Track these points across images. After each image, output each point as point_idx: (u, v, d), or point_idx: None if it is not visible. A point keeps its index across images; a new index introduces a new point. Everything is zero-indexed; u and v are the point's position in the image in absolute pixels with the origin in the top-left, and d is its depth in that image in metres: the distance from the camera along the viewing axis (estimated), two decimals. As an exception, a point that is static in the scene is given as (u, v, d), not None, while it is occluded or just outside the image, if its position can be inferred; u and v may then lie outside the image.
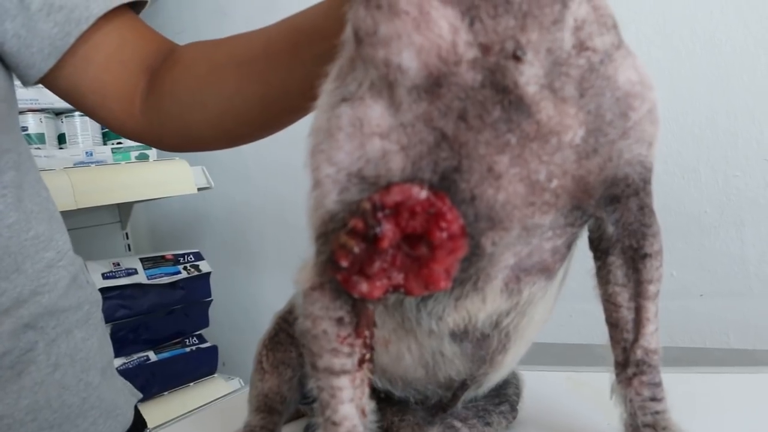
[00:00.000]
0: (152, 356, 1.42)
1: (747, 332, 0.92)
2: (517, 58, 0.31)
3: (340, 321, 0.36)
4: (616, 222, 0.39)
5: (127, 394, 0.70)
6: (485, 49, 0.31)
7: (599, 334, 0.41)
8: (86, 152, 1.43)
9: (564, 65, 0.33)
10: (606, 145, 0.35)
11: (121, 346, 1.36)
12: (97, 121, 0.65)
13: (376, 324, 0.38)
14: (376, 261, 0.33)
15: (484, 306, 0.39)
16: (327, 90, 0.36)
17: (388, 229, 0.33)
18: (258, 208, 1.63)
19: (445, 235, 0.33)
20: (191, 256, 1.53)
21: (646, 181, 0.38)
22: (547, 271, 0.40)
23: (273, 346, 0.52)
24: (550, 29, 0.31)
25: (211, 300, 1.55)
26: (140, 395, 0.73)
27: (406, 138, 0.33)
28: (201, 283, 1.51)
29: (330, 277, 0.35)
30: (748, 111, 0.88)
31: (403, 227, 0.33)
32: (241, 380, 1.55)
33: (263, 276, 1.67)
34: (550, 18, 0.31)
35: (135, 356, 1.40)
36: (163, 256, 1.49)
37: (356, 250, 0.33)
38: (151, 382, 1.39)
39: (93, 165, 1.41)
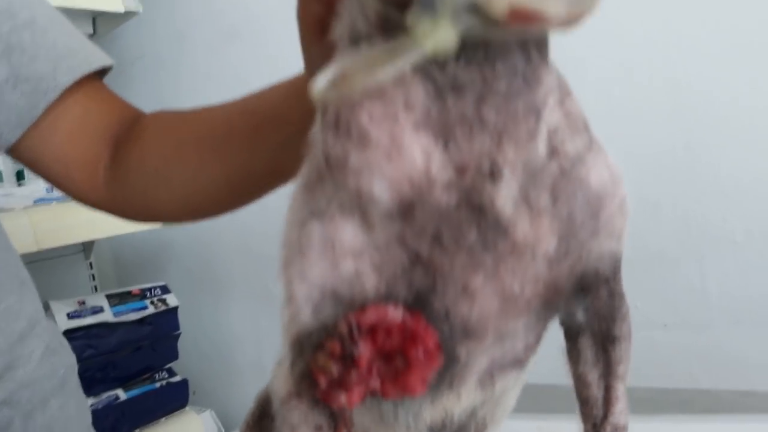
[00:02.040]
0: (121, 395, 1.40)
1: (711, 365, 0.94)
2: (493, 178, 0.31)
3: (319, 428, 0.36)
4: (586, 309, 0.40)
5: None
6: (460, 170, 0.31)
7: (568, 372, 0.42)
8: (46, 188, 1.40)
9: (538, 174, 0.33)
10: (577, 247, 0.35)
11: (88, 386, 1.34)
12: (61, 190, 0.64)
13: (353, 423, 0.38)
14: (354, 375, 0.34)
15: (459, 402, 0.40)
16: (296, 202, 0.36)
17: (365, 350, 0.33)
18: (222, 236, 1.62)
19: (420, 352, 0.33)
20: (158, 289, 1.51)
21: (616, 270, 0.39)
22: (519, 363, 0.40)
23: (257, 431, 0.51)
24: (526, 145, 0.31)
25: (180, 333, 1.54)
26: None
27: (380, 258, 0.33)
28: (169, 317, 1.49)
29: (307, 389, 0.35)
30: (706, 147, 0.90)
31: (379, 346, 0.33)
32: (212, 412, 1.54)
33: (230, 304, 1.65)
34: (526, 133, 0.31)
35: (104, 395, 1.38)
36: (129, 292, 1.47)
37: (334, 371, 0.33)
38: (121, 422, 1.37)
39: (54, 202, 1.38)
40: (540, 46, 0.31)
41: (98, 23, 1.60)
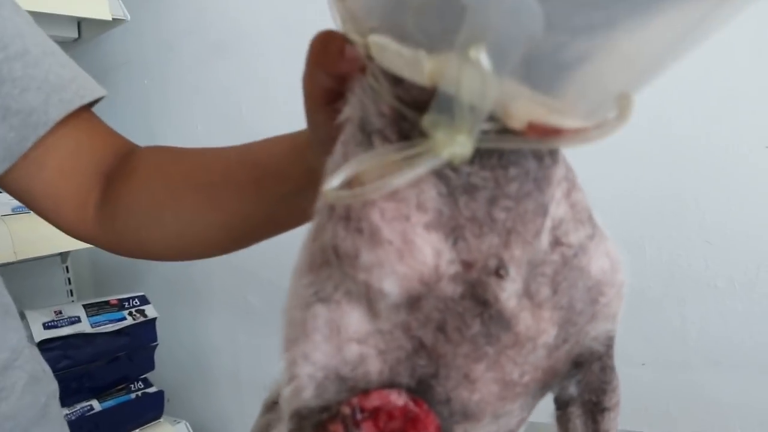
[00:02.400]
0: (96, 405, 1.38)
1: (688, 405, 0.95)
2: (499, 276, 0.31)
3: None
4: (578, 383, 0.40)
5: None
6: (467, 265, 0.31)
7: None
8: (26, 195, 1.37)
9: (540, 265, 0.33)
10: (575, 334, 0.36)
11: (63, 397, 1.32)
12: (50, 223, 0.63)
13: None
14: None
15: None
16: (300, 281, 0.35)
17: None
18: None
19: None
20: (136, 300, 1.49)
21: (610, 346, 0.39)
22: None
23: None
24: (533, 242, 0.31)
25: (157, 344, 1.53)
26: None
27: (384, 344, 0.33)
28: (147, 328, 1.48)
29: None
30: (693, 196, 0.92)
31: (381, 428, 0.34)
32: (187, 424, 1.53)
33: (208, 315, 1.64)
34: (533, 232, 0.31)
35: (78, 406, 1.36)
36: (107, 302, 1.45)
37: None
38: (95, 434, 1.36)
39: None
40: (553, 149, 0.31)
41: (83, 28, 1.58)
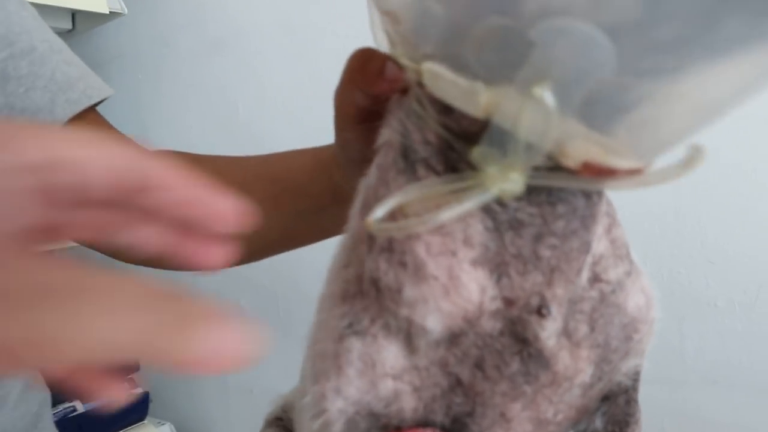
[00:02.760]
0: (79, 407, 1.36)
1: (683, 424, 0.95)
2: (541, 315, 0.30)
3: None
4: (603, 415, 0.40)
5: None
6: (509, 302, 0.30)
7: None
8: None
9: (579, 302, 0.32)
10: (609, 372, 0.35)
11: (46, 397, 1.30)
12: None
13: None
14: None
15: None
16: (331, 311, 0.34)
17: None
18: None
19: None
20: (124, 299, 1.47)
21: (637, 380, 0.39)
22: None
23: None
24: (573, 280, 0.31)
25: (143, 344, 1.50)
26: None
27: (420, 380, 0.32)
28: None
29: None
30: (696, 214, 0.91)
31: None
32: (172, 426, 1.51)
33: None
34: (576, 270, 0.30)
35: (60, 407, 1.34)
36: (94, 301, 1.43)
37: None
38: (78, 435, 1.33)
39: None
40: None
41: (78, 20, 1.56)
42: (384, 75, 0.31)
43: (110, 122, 0.62)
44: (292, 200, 0.49)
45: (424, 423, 0.33)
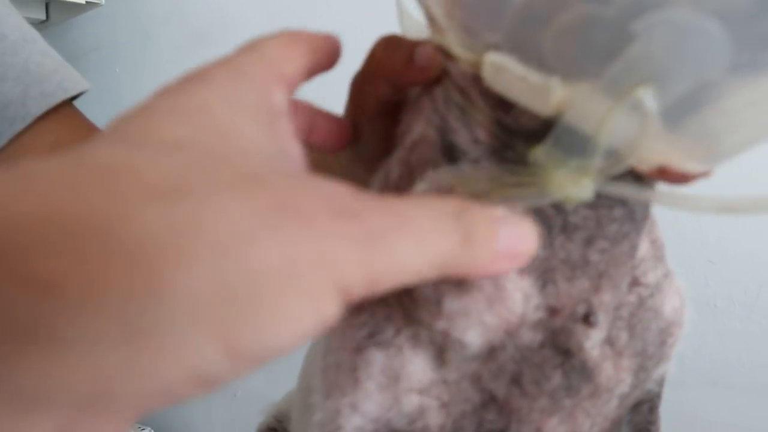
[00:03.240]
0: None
1: (683, 426, 0.95)
2: (588, 323, 0.28)
3: None
4: (626, 423, 0.39)
5: None
6: (553, 311, 0.28)
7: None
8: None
9: (619, 308, 0.30)
10: (644, 380, 0.34)
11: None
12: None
13: None
14: None
15: None
16: (350, 320, 0.31)
17: None
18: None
19: None
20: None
21: (662, 386, 0.38)
22: None
23: None
24: (620, 287, 0.29)
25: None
26: None
27: (449, 395, 0.29)
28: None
29: None
30: (696, 216, 0.91)
31: None
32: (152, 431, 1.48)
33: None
34: (623, 274, 0.29)
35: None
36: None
37: None
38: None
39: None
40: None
41: (52, 10, 1.51)
42: (414, 63, 0.29)
43: (87, 118, 0.59)
44: None
45: None
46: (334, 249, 0.17)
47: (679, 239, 0.92)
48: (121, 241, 0.14)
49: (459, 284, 0.27)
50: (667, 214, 0.89)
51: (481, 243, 0.21)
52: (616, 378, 0.31)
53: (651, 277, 0.32)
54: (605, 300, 0.28)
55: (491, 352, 0.29)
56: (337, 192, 0.19)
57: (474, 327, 0.28)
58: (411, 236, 0.19)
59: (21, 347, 0.14)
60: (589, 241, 0.27)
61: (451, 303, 0.27)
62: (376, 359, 0.29)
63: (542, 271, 0.28)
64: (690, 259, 0.92)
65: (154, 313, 0.14)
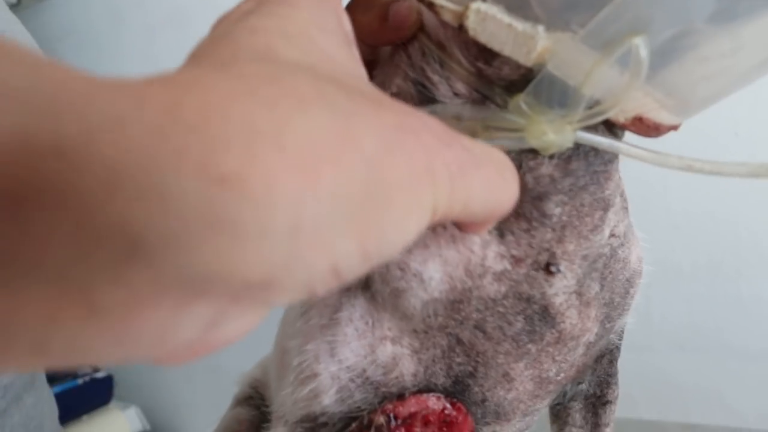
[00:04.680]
0: (41, 392, 1.33)
1: (651, 389, 0.97)
2: (549, 272, 0.30)
3: None
4: (589, 377, 0.40)
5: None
6: (517, 260, 0.29)
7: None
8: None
9: (596, 260, 0.32)
10: (610, 329, 0.35)
11: (6, 383, 1.26)
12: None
13: None
14: None
15: None
16: None
17: None
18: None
19: None
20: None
21: (621, 339, 0.39)
22: (527, 428, 0.40)
23: None
24: (588, 237, 0.30)
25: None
26: None
27: (419, 342, 0.31)
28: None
29: None
30: (660, 179, 0.92)
31: None
32: (137, 409, 1.49)
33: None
34: (590, 226, 0.30)
35: (22, 393, 1.30)
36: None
37: None
38: (41, 421, 1.30)
39: None
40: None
41: (23, -7, 1.50)
42: (388, 22, 0.29)
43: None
44: None
45: (426, 388, 0.32)
46: (436, 170, 0.19)
47: (645, 205, 0.94)
48: (286, 143, 0.15)
49: None
50: (635, 181, 0.89)
51: (512, 192, 0.22)
52: (581, 326, 0.32)
53: (621, 228, 0.33)
54: (569, 249, 0.30)
55: (454, 304, 0.30)
56: (429, 119, 0.20)
57: (433, 259, 0.29)
58: (482, 179, 0.20)
59: (204, 235, 0.14)
60: (541, 197, 0.28)
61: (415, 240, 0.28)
62: (359, 304, 0.31)
63: (497, 223, 0.29)
64: (656, 225, 0.94)
65: (314, 209, 0.15)
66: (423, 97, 0.29)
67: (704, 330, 0.94)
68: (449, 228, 0.28)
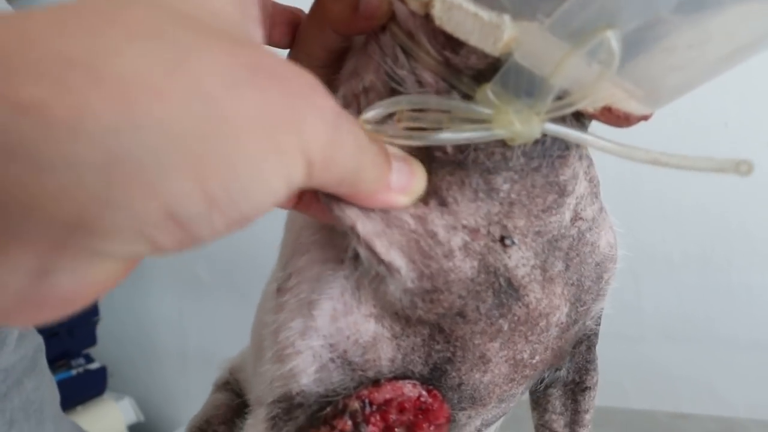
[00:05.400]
0: (35, 383, 1.33)
1: (642, 379, 0.97)
2: (504, 244, 0.30)
3: None
4: (567, 363, 0.40)
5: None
6: (472, 231, 0.30)
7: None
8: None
9: (559, 240, 0.32)
10: (583, 314, 0.35)
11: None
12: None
13: None
14: None
15: None
16: (312, 255, 0.33)
17: (374, 429, 0.31)
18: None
19: (432, 428, 0.32)
20: (77, 272, 1.43)
21: (599, 324, 0.39)
22: (503, 415, 0.40)
23: None
24: (540, 216, 0.30)
25: (99, 318, 1.47)
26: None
27: (400, 328, 0.31)
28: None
29: None
30: (652, 170, 0.92)
31: (389, 423, 0.32)
32: (131, 400, 1.49)
33: (152, 286, 1.60)
34: (541, 207, 0.30)
35: (15, 384, 1.30)
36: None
37: None
38: (34, 412, 1.30)
39: None
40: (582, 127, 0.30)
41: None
42: (359, 12, 0.29)
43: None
44: None
45: (402, 375, 0.32)
46: (307, 117, 0.18)
47: (635, 196, 0.94)
48: (104, 73, 0.15)
49: (364, 211, 0.28)
50: (627, 172, 0.89)
51: (380, 171, 0.24)
52: (547, 302, 0.32)
53: (589, 212, 0.33)
54: (519, 225, 0.30)
55: (432, 294, 0.30)
56: (306, 72, 0.19)
57: (393, 246, 0.29)
58: (354, 138, 0.20)
59: (2, 165, 0.14)
60: (490, 171, 0.28)
61: (363, 226, 0.28)
62: (339, 281, 0.31)
63: (428, 192, 0.29)
64: (647, 215, 0.94)
65: (133, 143, 0.14)
66: (391, 92, 0.28)
67: (694, 320, 0.94)
68: (380, 212, 0.28)
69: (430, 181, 0.29)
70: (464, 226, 0.29)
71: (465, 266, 0.30)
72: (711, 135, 0.89)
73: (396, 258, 0.29)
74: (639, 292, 0.96)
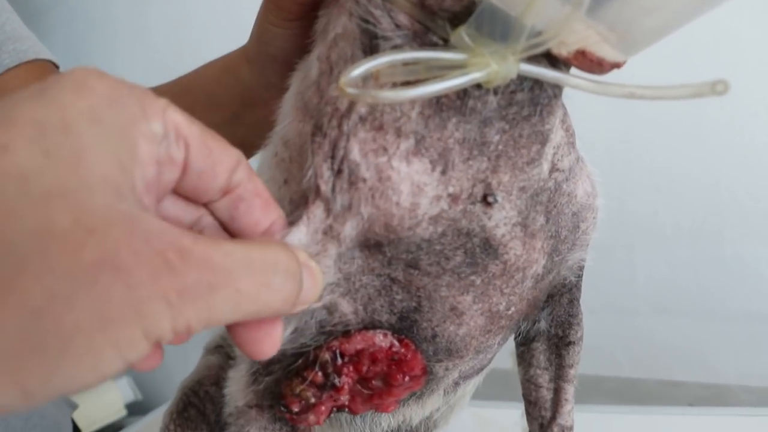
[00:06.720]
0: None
1: (635, 351, 0.98)
2: (486, 203, 0.30)
3: None
4: (547, 316, 0.40)
5: (64, 407, 0.67)
6: (454, 199, 0.29)
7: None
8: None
9: (540, 194, 0.32)
10: (559, 263, 0.36)
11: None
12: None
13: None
14: (328, 400, 0.32)
15: (422, 410, 0.40)
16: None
17: (347, 380, 0.32)
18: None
19: (407, 378, 0.33)
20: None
21: (580, 277, 0.39)
22: (482, 369, 0.40)
23: (182, 422, 0.49)
24: (524, 169, 0.30)
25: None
26: (76, 404, 0.72)
27: (347, 286, 0.31)
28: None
29: (270, 402, 0.34)
30: (644, 142, 0.92)
31: (362, 373, 0.32)
32: (129, 380, 1.49)
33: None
34: (525, 159, 0.30)
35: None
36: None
37: (312, 400, 0.32)
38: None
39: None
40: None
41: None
42: None
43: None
44: (205, 113, 0.48)
45: (371, 326, 0.32)
46: (147, 304, 0.18)
47: (628, 169, 0.94)
48: None
49: (349, 179, 0.28)
50: (618, 144, 0.89)
51: (287, 294, 0.23)
52: (527, 258, 0.32)
53: (566, 162, 0.33)
54: (503, 180, 0.30)
55: (372, 249, 0.30)
56: (166, 241, 0.19)
57: (352, 219, 0.29)
58: (229, 297, 0.20)
59: None
60: (486, 122, 0.28)
61: (340, 199, 0.28)
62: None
63: (439, 153, 0.29)
64: (638, 189, 0.94)
65: None
66: (367, 35, 0.28)
67: (687, 292, 0.94)
68: (369, 180, 0.28)
69: (441, 136, 0.28)
70: (449, 194, 0.29)
71: (424, 233, 0.30)
72: (701, 104, 0.89)
73: (348, 229, 0.29)
74: (632, 265, 0.96)
